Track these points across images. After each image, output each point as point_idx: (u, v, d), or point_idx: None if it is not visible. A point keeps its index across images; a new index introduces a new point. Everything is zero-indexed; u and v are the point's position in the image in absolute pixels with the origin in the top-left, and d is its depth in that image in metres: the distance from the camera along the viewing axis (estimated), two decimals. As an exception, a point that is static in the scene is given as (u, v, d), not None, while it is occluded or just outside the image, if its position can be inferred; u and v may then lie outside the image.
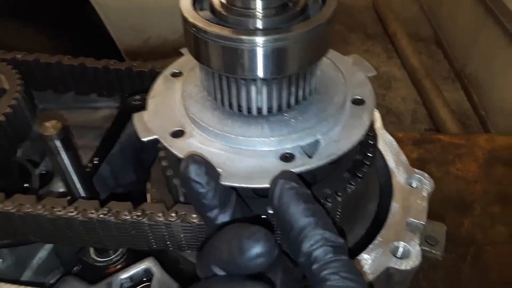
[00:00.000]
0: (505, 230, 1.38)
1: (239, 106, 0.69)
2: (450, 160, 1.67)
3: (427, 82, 4.06)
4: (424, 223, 0.78)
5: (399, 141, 1.77)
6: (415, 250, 0.73)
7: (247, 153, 0.66)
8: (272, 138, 0.67)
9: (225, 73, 0.64)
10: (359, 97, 0.74)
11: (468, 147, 1.75)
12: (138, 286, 0.77)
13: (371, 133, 0.77)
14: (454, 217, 1.42)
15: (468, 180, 1.58)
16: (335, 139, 0.68)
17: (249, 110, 0.69)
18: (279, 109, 0.70)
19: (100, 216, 0.69)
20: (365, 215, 0.79)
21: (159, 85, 0.79)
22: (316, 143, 0.67)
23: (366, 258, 0.72)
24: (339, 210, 0.71)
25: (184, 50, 0.83)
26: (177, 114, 0.72)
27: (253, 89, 0.67)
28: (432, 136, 2.07)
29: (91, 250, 0.93)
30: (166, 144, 0.67)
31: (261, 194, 0.69)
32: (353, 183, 0.71)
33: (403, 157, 0.89)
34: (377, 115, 0.98)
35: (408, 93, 4.18)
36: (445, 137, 2.03)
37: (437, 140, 1.84)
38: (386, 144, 0.92)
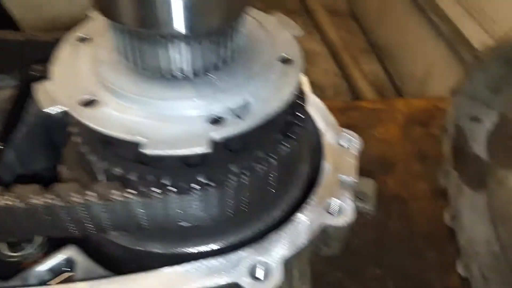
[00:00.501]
0: (426, 186, 1.48)
1: (160, 69, 0.63)
2: (373, 124, 1.75)
3: (345, 55, 4.22)
4: (356, 180, 0.78)
5: (324, 109, 1.78)
6: (350, 206, 0.73)
7: (172, 119, 0.60)
8: (199, 102, 0.62)
9: (140, 28, 0.58)
10: (287, 56, 0.71)
11: (388, 111, 1.84)
12: (59, 276, 0.69)
13: (300, 93, 0.75)
14: (379, 177, 1.48)
15: (390, 142, 1.66)
16: (265, 99, 0.65)
17: (171, 72, 0.63)
18: (205, 70, 0.65)
19: (5, 202, 0.60)
20: (299, 177, 0.78)
21: (64, 51, 0.70)
22: (246, 104, 0.64)
23: (303, 219, 0.70)
24: (274, 173, 0.69)
25: (92, 13, 0.75)
26: (87, 82, 0.64)
27: (173, 48, 0.61)
28: (355, 104, 2.14)
29: (3, 245, 0.82)
30: (75, 115, 0.59)
31: (192, 163, 0.64)
32: (286, 145, 0.69)
33: (332, 119, 0.89)
34: (304, 79, 0.97)
35: (329, 67, 4.31)
36: (367, 103, 2.11)
37: (360, 107, 1.91)
38: (315, 106, 0.91)
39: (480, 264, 1.18)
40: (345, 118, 1.82)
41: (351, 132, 0.87)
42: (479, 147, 1.28)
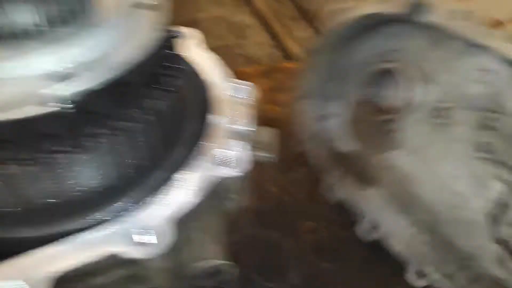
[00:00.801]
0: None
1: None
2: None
3: (277, 25, 4.17)
4: (251, 130, 0.74)
5: (249, 75, 1.76)
6: (243, 155, 0.69)
7: (11, 81, 0.53)
8: (43, 59, 0.55)
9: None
10: (146, 2, 0.65)
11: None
12: None
13: (169, 42, 0.68)
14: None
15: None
16: (122, 50, 0.58)
17: (11, 30, 0.55)
18: (51, 25, 0.57)
19: None
20: (186, 133, 0.72)
21: None
22: (101, 56, 0.57)
23: (191, 175, 0.65)
24: (149, 130, 0.63)
25: None
26: None
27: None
28: (279, 66, 2.12)
29: None
30: None
31: (46, 131, 0.56)
32: (160, 99, 0.63)
33: (224, 71, 0.84)
34: (198, 35, 0.91)
35: (263, 38, 4.25)
36: (291, 64, 2.09)
37: (284, 69, 1.89)
38: (208, 60, 0.85)
39: (432, 263, 1.03)
40: (269, 81, 1.79)
41: (245, 82, 0.82)
42: (348, 143, 1.21)
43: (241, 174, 0.68)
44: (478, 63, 0.85)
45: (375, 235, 1.09)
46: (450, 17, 0.82)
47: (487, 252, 0.95)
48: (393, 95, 1.04)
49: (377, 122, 1.09)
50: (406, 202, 1.09)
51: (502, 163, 0.87)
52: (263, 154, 0.77)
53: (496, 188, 0.89)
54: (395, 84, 1.03)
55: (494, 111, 0.85)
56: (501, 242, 0.92)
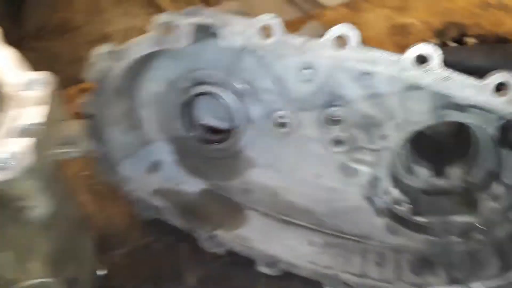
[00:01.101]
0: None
1: None
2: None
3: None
4: (40, 124, 0.64)
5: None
6: (25, 154, 0.59)
7: None
8: None
9: None
10: None
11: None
12: None
13: None
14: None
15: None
16: None
17: None
18: None
19: None
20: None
21: None
22: None
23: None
24: None
25: None
26: None
27: None
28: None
29: None
30: None
31: None
32: None
33: (17, 65, 0.74)
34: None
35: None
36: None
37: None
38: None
39: (341, 268, 0.97)
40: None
41: (37, 72, 0.72)
42: (194, 184, 1.07)
43: (20, 175, 0.57)
44: (299, 63, 0.78)
45: (279, 268, 0.99)
46: (245, 36, 0.73)
47: (377, 228, 0.93)
48: (219, 118, 0.94)
49: (214, 151, 0.98)
50: (285, 213, 1.02)
51: (359, 148, 0.85)
52: (70, 150, 0.68)
53: (364, 172, 0.88)
54: (217, 106, 0.92)
55: (333, 105, 0.81)
56: (384, 212, 0.92)
